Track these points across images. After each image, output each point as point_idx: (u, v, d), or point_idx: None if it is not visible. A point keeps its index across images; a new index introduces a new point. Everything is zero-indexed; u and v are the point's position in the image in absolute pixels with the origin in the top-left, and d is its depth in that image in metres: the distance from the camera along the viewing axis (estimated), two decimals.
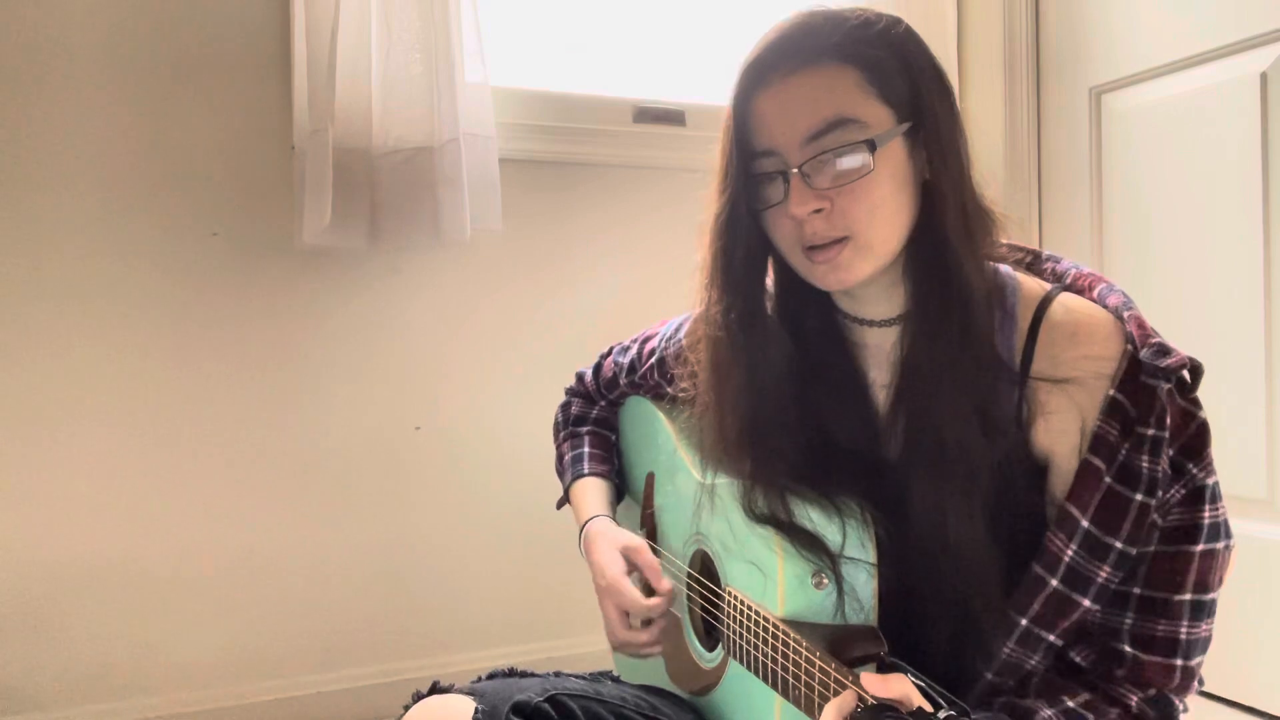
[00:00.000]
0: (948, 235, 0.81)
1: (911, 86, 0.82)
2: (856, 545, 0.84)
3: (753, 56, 0.84)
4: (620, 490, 1.24)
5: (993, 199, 0.86)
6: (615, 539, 1.08)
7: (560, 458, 1.26)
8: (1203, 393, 0.78)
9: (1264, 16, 1.64)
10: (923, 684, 0.70)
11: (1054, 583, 0.78)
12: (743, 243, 0.86)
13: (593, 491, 1.18)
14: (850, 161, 0.80)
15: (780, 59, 0.82)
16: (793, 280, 0.89)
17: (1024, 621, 0.79)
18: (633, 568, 1.06)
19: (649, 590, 1.04)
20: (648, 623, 1.03)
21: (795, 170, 0.81)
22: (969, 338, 0.81)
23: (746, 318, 0.88)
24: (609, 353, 1.24)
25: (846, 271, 0.82)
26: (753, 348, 0.88)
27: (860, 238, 0.81)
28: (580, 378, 1.28)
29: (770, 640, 0.84)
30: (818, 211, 0.81)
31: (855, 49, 0.81)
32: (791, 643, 0.81)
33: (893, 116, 0.81)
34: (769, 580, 0.86)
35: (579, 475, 1.20)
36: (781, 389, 0.89)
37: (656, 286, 1.72)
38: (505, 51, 1.89)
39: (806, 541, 0.84)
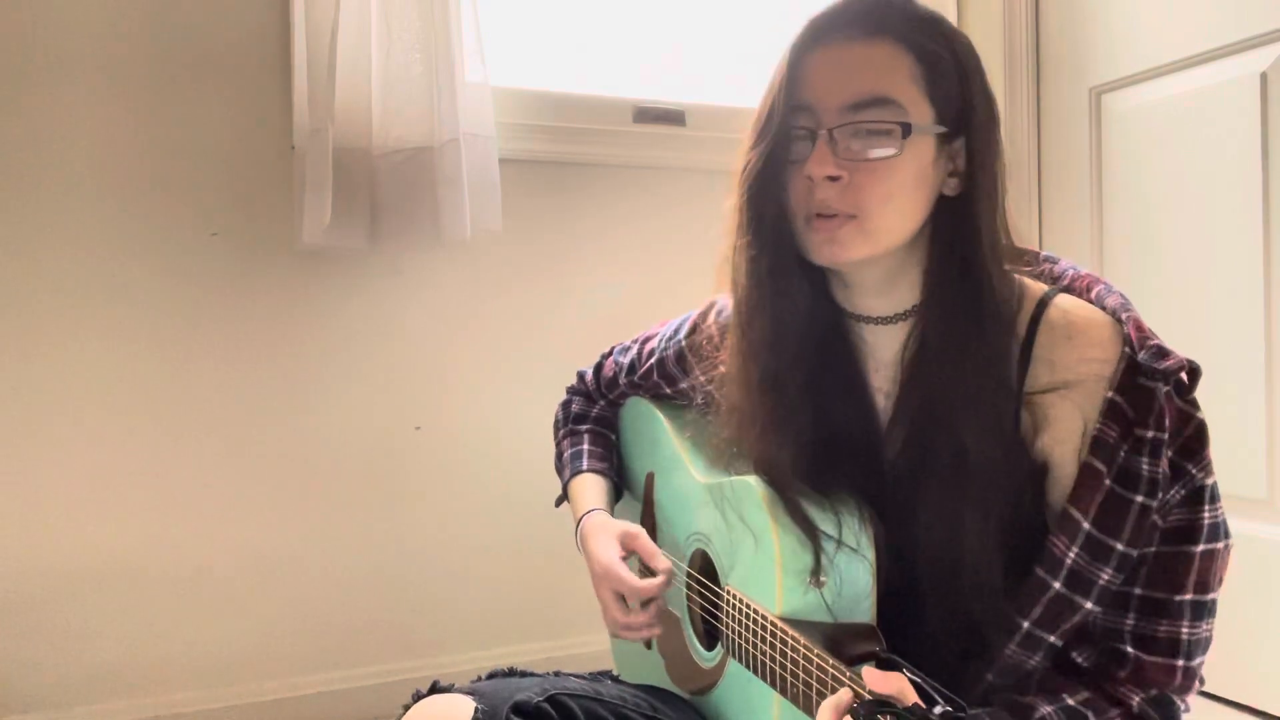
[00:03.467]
0: (974, 252, 0.82)
1: (961, 95, 0.82)
2: (854, 543, 0.84)
3: (819, 14, 0.84)
4: (619, 489, 1.24)
5: (1017, 228, 0.86)
6: (612, 528, 1.08)
7: (560, 454, 1.26)
8: (1203, 393, 0.78)
9: (1264, 16, 1.64)
10: (919, 680, 0.70)
11: (1056, 585, 0.78)
12: (774, 195, 0.85)
13: (591, 487, 1.18)
14: (880, 140, 0.80)
15: (844, 24, 0.83)
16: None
17: (1025, 624, 0.79)
18: (629, 553, 1.06)
19: (646, 576, 1.04)
20: (646, 605, 1.03)
21: (825, 131, 0.81)
22: (975, 347, 0.81)
23: (778, 267, 0.87)
24: (610, 353, 1.24)
25: (842, 247, 0.82)
26: (779, 296, 0.87)
27: (868, 220, 0.81)
28: (581, 377, 1.28)
29: (769, 638, 0.84)
30: (834, 180, 0.81)
31: (917, 39, 0.82)
32: (790, 640, 0.81)
33: (933, 115, 0.82)
34: (768, 579, 0.86)
35: (578, 471, 1.20)
36: (804, 343, 0.88)
37: (657, 286, 1.72)
38: (505, 51, 1.89)
39: (806, 540, 0.84)
